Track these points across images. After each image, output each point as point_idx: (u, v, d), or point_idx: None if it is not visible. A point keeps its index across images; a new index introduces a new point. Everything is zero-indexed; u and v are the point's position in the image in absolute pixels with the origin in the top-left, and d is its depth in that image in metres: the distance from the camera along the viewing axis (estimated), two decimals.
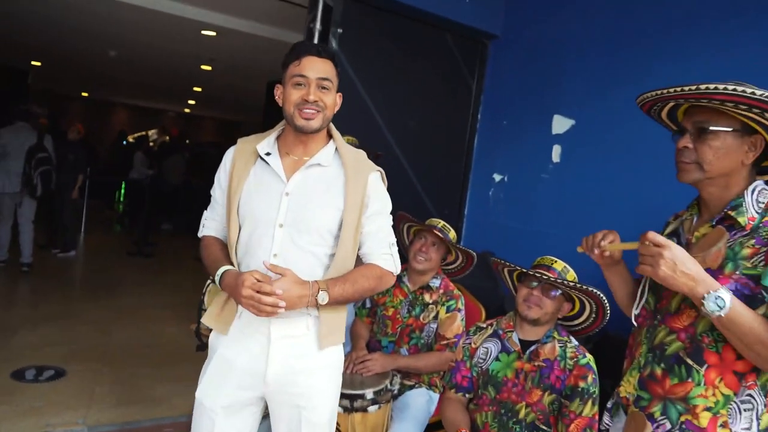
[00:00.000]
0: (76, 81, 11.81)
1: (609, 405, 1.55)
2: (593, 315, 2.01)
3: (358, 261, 1.75)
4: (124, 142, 13.26)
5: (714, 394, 1.30)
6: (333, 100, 1.65)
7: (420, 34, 3.74)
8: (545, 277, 1.90)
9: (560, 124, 3.49)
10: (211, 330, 2.81)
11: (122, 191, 12.04)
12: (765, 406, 1.29)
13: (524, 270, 1.98)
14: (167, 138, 12.13)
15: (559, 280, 1.91)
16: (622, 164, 3.06)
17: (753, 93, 1.19)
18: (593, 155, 3.25)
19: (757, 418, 1.28)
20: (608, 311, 1.96)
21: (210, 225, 1.81)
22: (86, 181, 7.62)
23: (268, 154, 1.68)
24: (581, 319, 2.05)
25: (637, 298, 1.51)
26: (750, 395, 1.29)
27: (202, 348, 2.80)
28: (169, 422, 3.17)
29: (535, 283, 1.94)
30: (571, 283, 1.90)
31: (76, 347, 4.04)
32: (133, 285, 6.05)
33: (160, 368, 3.88)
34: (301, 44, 1.67)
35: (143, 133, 13.99)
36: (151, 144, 12.09)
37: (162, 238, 9.01)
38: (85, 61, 8.83)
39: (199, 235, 1.82)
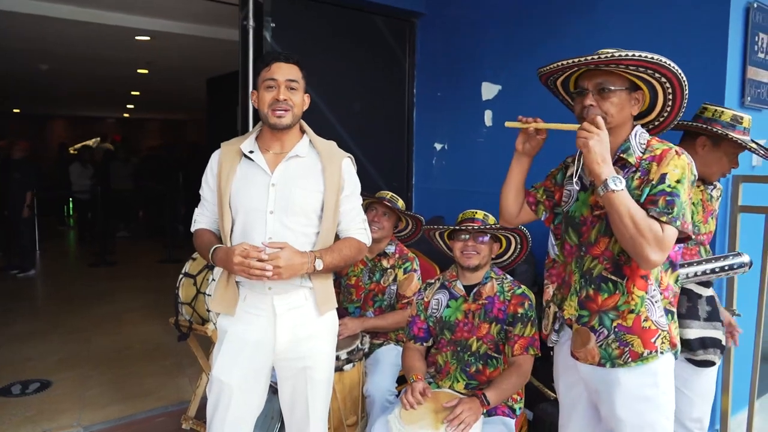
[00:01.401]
0: (7, 98, 11.47)
1: (556, 327, 1.86)
2: (518, 246, 2.39)
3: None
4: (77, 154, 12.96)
5: (633, 299, 1.63)
6: (301, 100, 1.91)
7: (350, 20, 3.93)
8: (472, 227, 2.21)
9: (489, 91, 3.78)
10: (189, 320, 3.02)
11: (70, 205, 11.85)
12: (660, 293, 1.66)
13: (453, 227, 2.28)
14: (110, 146, 11.96)
15: (486, 226, 2.23)
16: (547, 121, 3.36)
17: (652, 58, 1.51)
18: (522, 115, 3.54)
19: (660, 306, 1.65)
20: (530, 239, 2.32)
21: (201, 220, 2.04)
22: (34, 199, 7.55)
23: (251, 152, 1.92)
24: (510, 253, 2.43)
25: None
26: (654, 289, 1.65)
27: (183, 338, 3.03)
28: (161, 412, 3.36)
29: (465, 236, 2.25)
30: (496, 225, 2.23)
31: (57, 358, 4.16)
32: (101, 294, 6.12)
33: (143, 365, 4.05)
34: (269, 53, 1.95)
35: (88, 142, 13.69)
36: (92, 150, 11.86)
37: (121, 246, 9.00)
38: (16, 78, 8.63)
39: (192, 229, 2.05)
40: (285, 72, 1.86)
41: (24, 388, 3.66)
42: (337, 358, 2.48)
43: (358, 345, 2.62)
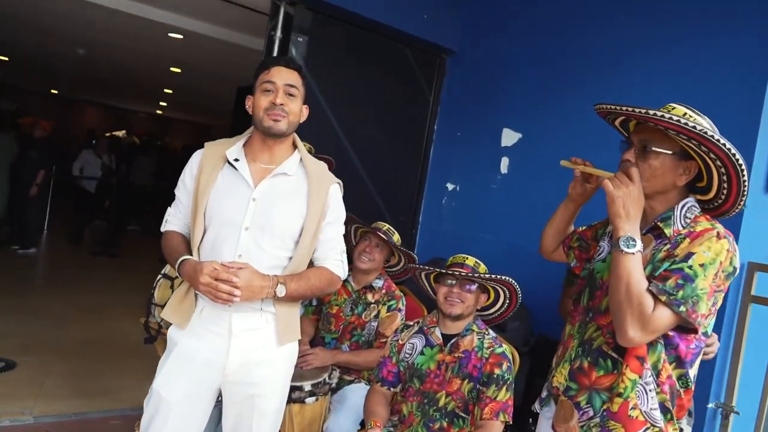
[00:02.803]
0: (45, 77, 11.70)
1: (543, 395, 1.67)
2: (507, 300, 2.21)
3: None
4: (93, 141, 13.08)
5: (623, 381, 1.43)
6: (299, 108, 1.80)
7: (380, 46, 3.88)
8: (459, 273, 2.06)
9: (509, 138, 3.67)
10: (159, 323, 2.89)
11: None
12: (657, 385, 1.43)
13: (440, 270, 2.13)
14: (137, 139, 12.06)
15: (474, 274, 2.07)
16: (563, 177, 3.22)
17: (694, 127, 1.31)
18: (538, 167, 3.42)
19: (654, 396, 1.43)
20: (520, 294, 2.14)
21: (173, 221, 1.90)
22: (50, 180, 7.56)
23: (236, 160, 1.79)
24: (497, 306, 2.24)
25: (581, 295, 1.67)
26: (650, 376, 1.43)
27: (150, 341, 2.89)
28: (118, 415, 3.22)
29: (451, 281, 2.09)
30: (486, 275, 2.07)
31: (29, 340, 4.06)
32: (94, 283, 6.05)
33: (113, 362, 3.92)
34: (270, 57, 1.82)
35: (117, 133, 13.82)
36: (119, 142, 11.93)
37: (129, 239, 8.96)
38: (54, 58, 8.79)
39: (162, 229, 1.91)
40: (285, 76, 1.75)
41: None
42: (301, 389, 2.33)
43: (326, 378, 2.46)
